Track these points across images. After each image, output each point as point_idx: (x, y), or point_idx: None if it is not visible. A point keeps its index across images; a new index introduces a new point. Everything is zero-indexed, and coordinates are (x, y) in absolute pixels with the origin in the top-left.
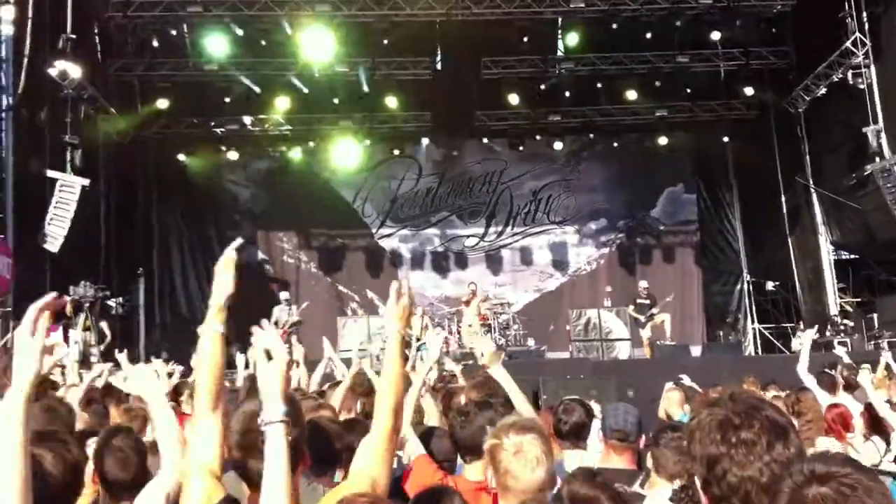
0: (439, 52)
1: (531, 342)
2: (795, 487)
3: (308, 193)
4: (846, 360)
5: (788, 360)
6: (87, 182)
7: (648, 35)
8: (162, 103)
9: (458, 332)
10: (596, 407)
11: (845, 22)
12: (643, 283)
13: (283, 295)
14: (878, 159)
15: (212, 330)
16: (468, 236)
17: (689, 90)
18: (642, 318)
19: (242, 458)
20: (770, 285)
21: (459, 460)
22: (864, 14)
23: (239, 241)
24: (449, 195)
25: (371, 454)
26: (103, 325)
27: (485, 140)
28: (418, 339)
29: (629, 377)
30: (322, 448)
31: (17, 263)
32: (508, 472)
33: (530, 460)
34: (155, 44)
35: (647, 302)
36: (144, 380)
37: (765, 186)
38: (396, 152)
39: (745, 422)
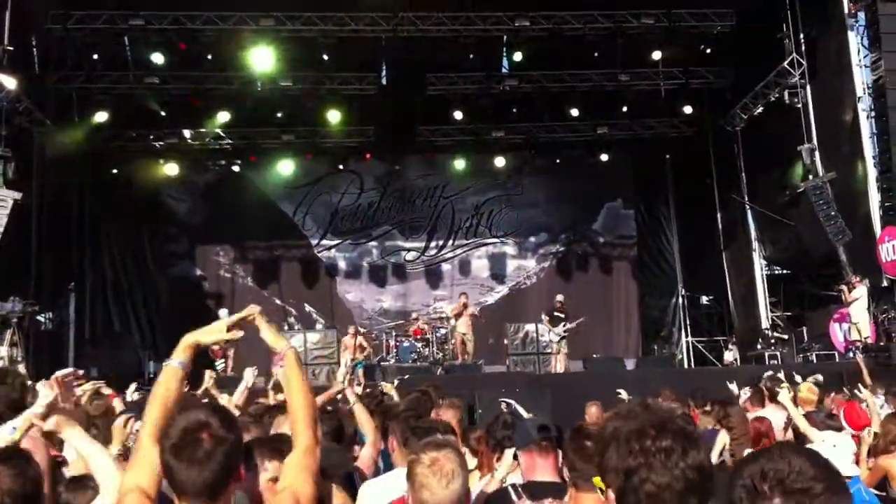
0: (384, 68)
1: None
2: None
3: (247, 207)
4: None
5: (719, 372)
6: (19, 195)
7: (591, 54)
8: (100, 116)
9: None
10: None
11: (783, 43)
12: (559, 297)
13: (222, 312)
14: (811, 177)
15: (174, 363)
16: (408, 250)
17: (629, 108)
18: (556, 330)
19: (175, 466)
20: (704, 299)
21: None
22: (801, 35)
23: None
24: (391, 209)
25: (294, 471)
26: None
27: (428, 155)
28: (353, 359)
29: (564, 391)
30: None
31: None
32: (424, 486)
33: (446, 474)
34: (94, 56)
35: (562, 316)
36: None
37: (702, 203)
38: (340, 166)
39: (660, 431)
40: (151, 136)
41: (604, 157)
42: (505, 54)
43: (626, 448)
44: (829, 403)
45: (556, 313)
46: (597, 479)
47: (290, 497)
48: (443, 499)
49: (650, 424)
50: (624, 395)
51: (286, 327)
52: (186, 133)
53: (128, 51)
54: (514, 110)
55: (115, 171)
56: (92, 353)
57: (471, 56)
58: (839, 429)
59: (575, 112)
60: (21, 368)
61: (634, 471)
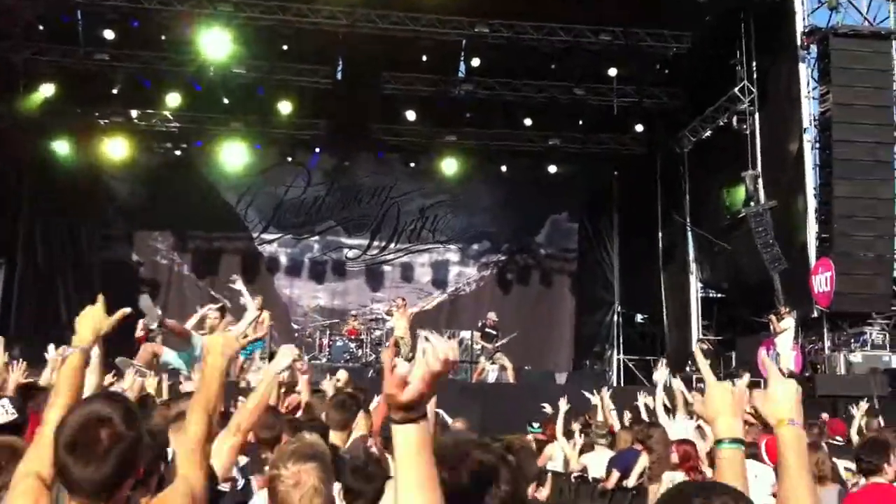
0: (340, 63)
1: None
2: None
3: (189, 193)
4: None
5: (649, 391)
6: None
7: (548, 65)
8: (46, 89)
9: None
10: None
11: (735, 69)
12: (492, 315)
13: (143, 300)
14: (752, 203)
15: (76, 349)
16: (350, 247)
17: (582, 122)
18: (490, 347)
19: (69, 463)
20: (639, 317)
21: None
22: (754, 63)
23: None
24: (336, 205)
25: (186, 460)
26: None
27: (378, 154)
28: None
29: (494, 402)
30: None
31: None
32: (286, 501)
33: (307, 491)
34: (41, 28)
35: (494, 332)
36: None
37: (644, 221)
38: (289, 159)
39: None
40: (97, 114)
41: (552, 169)
42: (463, 59)
43: None
44: (746, 435)
45: (487, 330)
46: None
47: (185, 486)
48: None
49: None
50: (549, 409)
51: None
52: (133, 113)
53: (79, 25)
54: (468, 115)
55: (55, 145)
56: (17, 331)
57: (428, 58)
58: (760, 458)
59: (528, 122)
60: None
61: None
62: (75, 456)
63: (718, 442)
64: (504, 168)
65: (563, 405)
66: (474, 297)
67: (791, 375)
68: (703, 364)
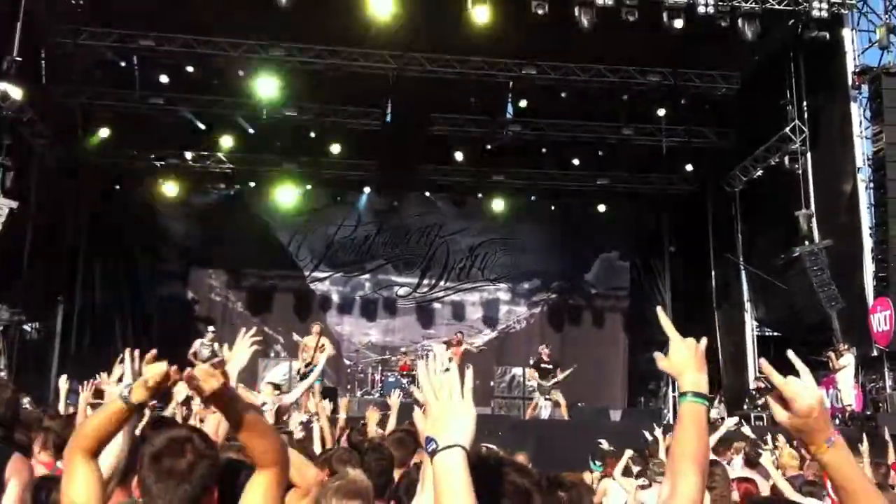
0: (389, 105)
1: None
2: None
3: (243, 233)
4: (750, 434)
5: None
6: (15, 205)
7: (595, 106)
8: (104, 132)
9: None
10: None
11: (786, 109)
12: (544, 348)
13: (210, 329)
14: (807, 242)
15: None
16: (401, 285)
17: (630, 162)
18: (546, 384)
19: (153, 477)
20: None
21: None
22: (804, 103)
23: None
24: (386, 244)
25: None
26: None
27: (427, 194)
28: (307, 365)
29: (548, 438)
30: None
31: None
32: None
33: None
34: (100, 72)
35: (550, 367)
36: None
37: (697, 260)
38: (339, 199)
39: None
40: (153, 156)
41: (601, 209)
42: (510, 100)
43: None
44: (807, 470)
45: (543, 365)
46: None
47: None
48: None
49: None
50: (605, 444)
51: (272, 355)
52: (188, 155)
53: (135, 70)
54: (516, 156)
55: (114, 187)
56: (75, 367)
57: (475, 99)
58: (820, 496)
59: (576, 162)
60: (3, 377)
61: None
62: (160, 468)
63: (683, 395)
64: (553, 207)
65: (627, 452)
66: (525, 335)
67: (852, 414)
68: (666, 322)
